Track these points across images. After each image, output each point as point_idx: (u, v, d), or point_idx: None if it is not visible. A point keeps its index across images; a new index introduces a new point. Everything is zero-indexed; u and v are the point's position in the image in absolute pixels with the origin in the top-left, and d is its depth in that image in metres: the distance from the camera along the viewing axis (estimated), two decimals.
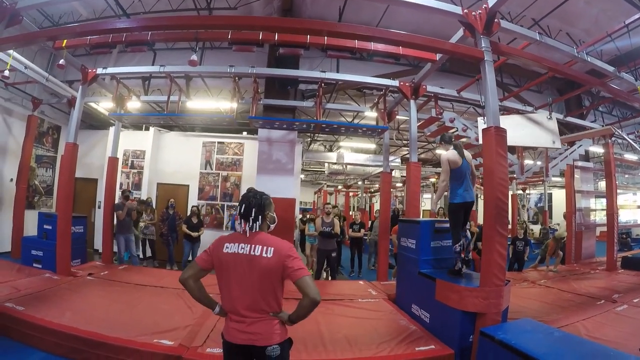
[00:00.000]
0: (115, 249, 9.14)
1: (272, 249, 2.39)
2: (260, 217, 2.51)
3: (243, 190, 9.06)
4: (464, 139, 9.54)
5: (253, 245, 2.43)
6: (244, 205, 2.53)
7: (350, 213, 18.24)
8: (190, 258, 9.46)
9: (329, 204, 9.74)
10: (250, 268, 2.39)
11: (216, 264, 2.51)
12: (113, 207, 8.96)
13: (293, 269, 2.34)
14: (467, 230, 5.61)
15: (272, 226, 2.64)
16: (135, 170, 11.72)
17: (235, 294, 2.42)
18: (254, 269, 2.38)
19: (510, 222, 13.86)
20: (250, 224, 2.48)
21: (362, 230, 10.89)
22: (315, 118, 8.84)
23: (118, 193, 9.80)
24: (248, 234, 2.48)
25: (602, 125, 11.26)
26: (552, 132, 7.27)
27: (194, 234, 9.42)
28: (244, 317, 2.39)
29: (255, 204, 2.52)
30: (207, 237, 10.86)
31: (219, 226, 11.45)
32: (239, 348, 2.40)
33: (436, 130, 9.79)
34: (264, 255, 2.39)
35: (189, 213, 10.05)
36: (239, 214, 2.54)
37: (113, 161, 9.30)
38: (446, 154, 5.22)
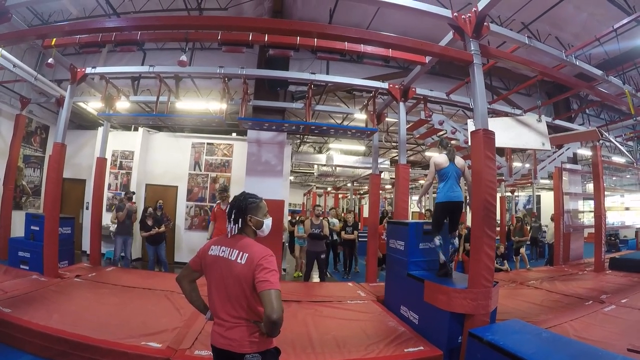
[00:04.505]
0: (103, 250, 9.06)
1: (247, 255, 2.33)
2: (240, 220, 2.47)
3: (232, 192, 9.04)
4: (453, 142, 9.60)
5: (232, 250, 2.39)
6: (229, 205, 2.53)
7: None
8: (165, 261, 9.37)
9: (319, 206, 9.72)
10: (226, 272, 2.36)
11: (203, 265, 2.52)
12: (101, 208, 8.89)
13: (259, 280, 2.22)
14: (456, 238, 5.66)
15: (259, 232, 2.55)
16: (124, 171, 11.65)
17: (215, 297, 2.42)
18: (229, 273, 2.35)
19: (499, 223, 13.98)
20: (231, 225, 2.47)
21: (356, 232, 10.90)
22: (304, 120, 8.85)
23: (107, 194, 9.71)
24: (229, 236, 2.48)
25: (589, 128, 11.37)
26: (542, 134, 7.31)
27: (147, 234, 8.95)
28: (223, 321, 2.36)
29: (236, 206, 2.50)
30: (196, 239, 10.90)
31: (207, 228, 11.37)
32: (220, 352, 2.38)
33: (425, 133, 9.83)
34: (238, 261, 2.33)
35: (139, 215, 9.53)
36: (227, 213, 2.53)
37: (101, 162, 9.17)
38: (435, 156, 5.51)
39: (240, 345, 2.29)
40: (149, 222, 9.01)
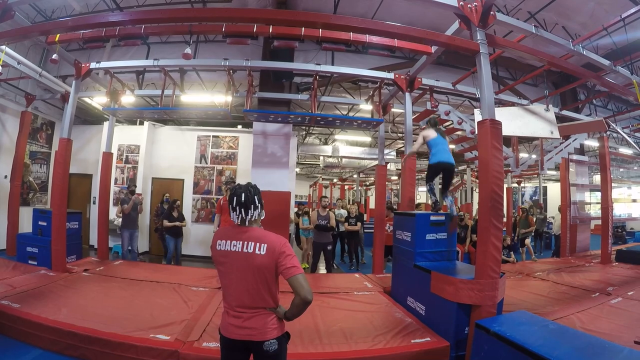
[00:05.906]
0: (110, 244, 9.10)
1: (266, 245, 2.36)
2: (260, 205, 2.51)
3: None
4: (459, 132, 9.57)
5: (246, 242, 2.40)
6: (243, 194, 2.46)
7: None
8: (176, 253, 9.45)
9: (325, 197, 9.72)
10: (244, 265, 2.37)
11: (214, 261, 2.53)
12: (108, 203, 8.91)
13: (285, 267, 2.33)
14: (449, 197, 6.42)
15: (262, 218, 2.62)
16: (130, 165, 11.69)
17: (232, 290, 2.42)
18: (247, 266, 2.36)
19: (505, 215, 13.93)
20: (252, 211, 2.46)
21: (359, 224, 10.90)
22: (310, 111, 8.82)
23: (113, 188, 9.74)
24: (247, 223, 2.47)
25: (596, 119, 11.27)
26: (550, 122, 7.25)
27: (171, 224, 9.07)
28: (240, 313, 2.38)
29: (255, 192, 2.50)
30: (203, 231, 10.93)
31: (213, 220, 11.40)
32: (236, 343, 2.40)
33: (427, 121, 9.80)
34: (257, 252, 2.36)
35: (165, 207, 9.90)
36: (238, 203, 2.45)
37: (107, 156, 9.17)
38: (425, 131, 6.22)
39: (262, 333, 2.36)
40: (175, 214, 9.19)
